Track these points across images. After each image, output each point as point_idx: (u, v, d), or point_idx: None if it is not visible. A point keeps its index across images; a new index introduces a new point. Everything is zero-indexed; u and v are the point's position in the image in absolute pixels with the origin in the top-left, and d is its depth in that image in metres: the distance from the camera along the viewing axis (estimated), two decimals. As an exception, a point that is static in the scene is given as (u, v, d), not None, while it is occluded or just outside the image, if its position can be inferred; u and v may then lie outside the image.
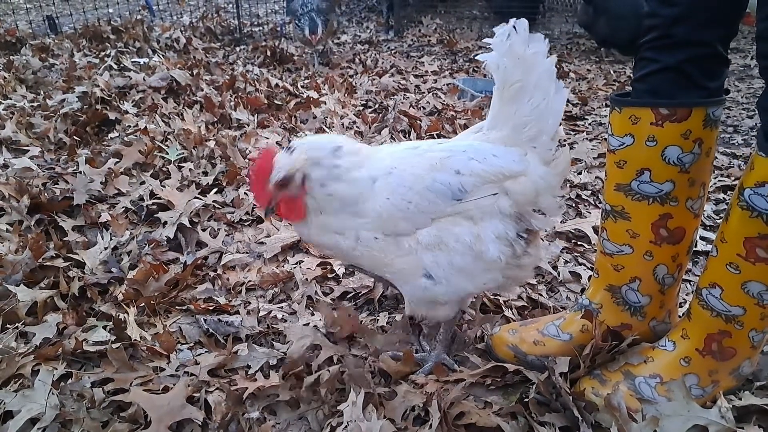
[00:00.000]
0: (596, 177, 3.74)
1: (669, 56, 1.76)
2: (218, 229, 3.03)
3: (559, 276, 2.71)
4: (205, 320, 2.37)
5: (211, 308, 2.47)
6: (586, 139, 4.55)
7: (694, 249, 2.08)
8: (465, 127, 4.62)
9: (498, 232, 1.85)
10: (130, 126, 4.24)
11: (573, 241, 3.04)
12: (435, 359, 2.14)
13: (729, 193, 3.53)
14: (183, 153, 3.81)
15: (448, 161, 1.82)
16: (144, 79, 5.01)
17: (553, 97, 1.84)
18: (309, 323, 2.37)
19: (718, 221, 3.20)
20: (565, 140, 4.51)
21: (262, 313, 2.45)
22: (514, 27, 1.78)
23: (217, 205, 3.26)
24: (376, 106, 5.27)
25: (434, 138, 4.27)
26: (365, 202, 1.83)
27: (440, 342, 2.17)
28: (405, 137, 4.37)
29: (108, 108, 4.45)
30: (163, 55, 6.45)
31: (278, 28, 8.63)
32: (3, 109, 4.37)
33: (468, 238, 1.83)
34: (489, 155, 1.84)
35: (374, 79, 6.07)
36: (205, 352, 2.24)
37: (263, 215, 1.85)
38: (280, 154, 1.80)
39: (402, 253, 1.87)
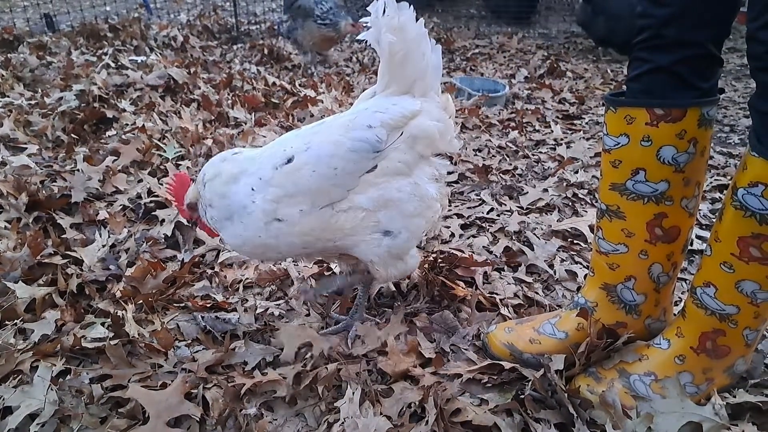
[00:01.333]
0: (593, 176, 3.75)
1: (661, 56, 1.77)
2: (216, 227, 3.03)
3: (555, 274, 2.72)
4: (202, 317, 2.38)
5: (208, 305, 2.48)
6: (583, 138, 4.57)
7: (690, 248, 2.09)
8: (462, 126, 4.64)
9: (429, 174, 2.09)
10: (127, 124, 4.24)
11: (569, 239, 3.05)
12: (359, 320, 2.32)
13: (725, 192, 3.53)
14: (180, 151, 3.82)
15: (356, 121, 1.96)
16: (141, 78, 5.01)
17: (430, 55, 2.04)
18: (304, 324, 2.39)
19: (714, 220, 3.21)
20: (562, 139, 4.53)
21: (259, 311, 2.46)
22: (383, 3, 1.94)
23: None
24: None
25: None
26: (262, 189, 1.93)
27: (360, 306, 2.35)
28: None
29: (105, 106, 4.45)
30: (160, 54, 6.45)
31: (275, 27, 8.62)
32: (1, 107, 4.38)
33: (408, 187, 2.01)
34: (389, 105, 2.01)
35: (371, 78, 6.08)
36: (203, 349, 2.25)
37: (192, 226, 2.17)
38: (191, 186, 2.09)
39: (347, 217, 1.96)
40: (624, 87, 1.93)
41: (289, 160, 1.90)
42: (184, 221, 2.96)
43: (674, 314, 2.17)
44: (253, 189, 1.91)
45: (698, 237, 3.00)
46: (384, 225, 2.00)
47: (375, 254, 2.04)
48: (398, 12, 1.91)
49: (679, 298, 2.48)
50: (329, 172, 1.89)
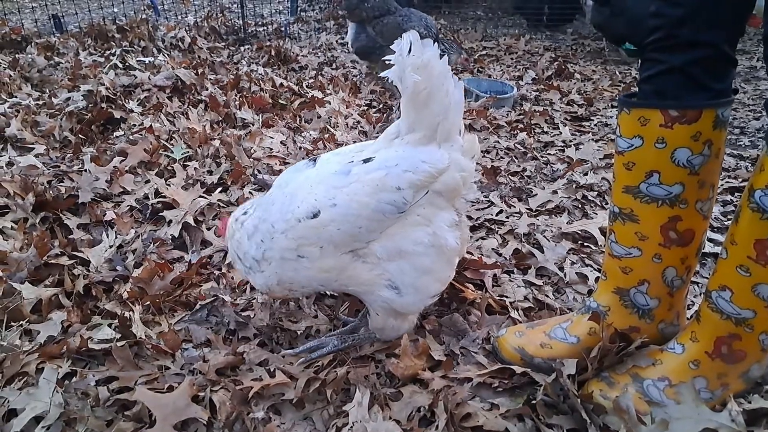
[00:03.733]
0: (602, 178, 3.72)
1: (674, 57, 1.74)
2: (223, 228, 3.02)
3: (565, 277, 2.70)
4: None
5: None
6: (592, 140, 4.54)
7: (702, 251, 2.06)
8: (470, 127, 4.62)
9: (448, 221, 1.98)
10: (135, 125, 4.23)
11: (579, 242, 3.02)
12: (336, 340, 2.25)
13: (737, 194, 3.52)
14: (188, 152, 3.81)
15: (387, 180, 1.87)
16: (149, 78, 5.00)
17: (453, 92, 1.93)
18: (312, 325, 2.37)
19: (726, 223, 3.18)
20: (570, 141, 4.50)
21: (268, 312, 2.44)
22: (409, 41, 1.85)
23: (222, 204, 3.26)
24: (381, 105, 5.27)
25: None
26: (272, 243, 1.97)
27: (345, 335, 2.28)
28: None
29: (113, 107, 4.44)
30: (168, 55, 6.45)
31: (282, 28, 8.62)
32: (8, 107, 4.37)
33: (426, 238, 1.93)
34: (419, 162, 1.90)
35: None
36: (210, 351, 2.23)
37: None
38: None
39: (361, 267, 1.95)
40: (633, 88, 1.90)
41: (315, 215, 1.87)
42: (192, 222, 2.97)
43: (688, 318, 2.14)
44: (272, 238, 1.96)
45: (710, 240, 2.96)
46: (393, 276, 1.96)
47: (375, 301, 2.04)
48: (423, 50, 1.84)
49: (693, 301, 2.45)
50: (354, 230, 1.87)
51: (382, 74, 1.99)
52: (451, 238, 1.97)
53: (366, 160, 1.93)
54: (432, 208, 1.94)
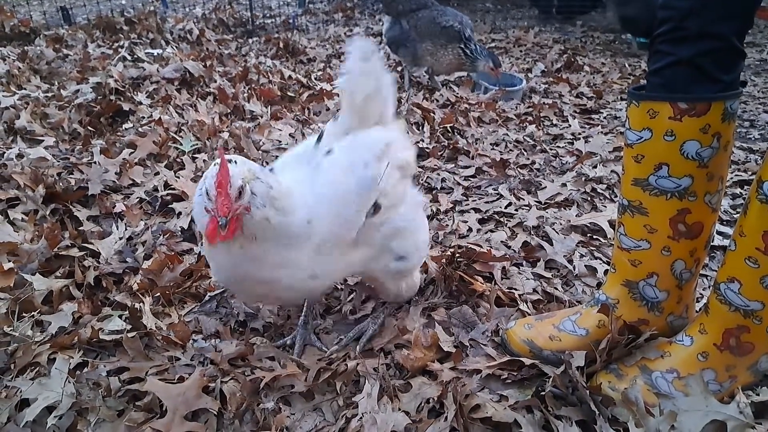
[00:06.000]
0: (612, 171, 3.71)
1: (683, 49, 1.73)
2: (232, 220, 3.02)
3: (574, 270, 2.69)
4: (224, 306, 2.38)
5: (225, 299, 2.48)
6: (601, 132, 4.52)
7: (711, 243, 2.06)
8: (479, 120, 4.62)
9: (415, 189, 2.28)
10: (144, 117, 4.25)
11: (588, 235, 3.02)
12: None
13: (746, 187, 3.50)
14: (197, 144, 3.82)
15: (353, 165, 1.96)
16: (157, 71, 5.02)
17: (389, 86, 2.11)
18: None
19: (735, 215, 3.17)
20: (579, 134, 4.49)
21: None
22: (352, 48, 2.00)
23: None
24: (390, 98, 5.25)
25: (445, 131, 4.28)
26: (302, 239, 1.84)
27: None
28: (418, 130, 4.36)
29: (122, 99, 4.46)
30: (176, 47, 6.47)
31: (290, 21, 8.61)
32: (18, 100, 4.38)
33: (409, 208, 2.12)
34: (371, 140, 2.04)
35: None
36: (221, 342, 2.24)
37: (220, 229, 1.59)
38: (231, 165, 1.64)
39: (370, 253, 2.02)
40: (642, 81, 1.90)
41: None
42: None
43: (696, 311, 2.14)
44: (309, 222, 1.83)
45: (719, 233, 2.95)
46: (397, 251, 2.07)
47: (388, 276, 2.14)
48: (363, 50, 1.98)
49: (701, 294, 2.45)
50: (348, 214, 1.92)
51: (336, 84, 2.09)
52: (419, 194, 2.28)
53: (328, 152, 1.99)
54: (401, 185, 2.08)
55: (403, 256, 2.08)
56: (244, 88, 5.09)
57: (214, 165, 1.61)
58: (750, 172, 3.67)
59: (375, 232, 1.97)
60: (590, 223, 3.07)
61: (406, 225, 2.07)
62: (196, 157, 3.65)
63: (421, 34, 5.34)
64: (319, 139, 2.08)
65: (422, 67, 5.73)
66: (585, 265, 2.71)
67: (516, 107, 5.13)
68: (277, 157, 3.75)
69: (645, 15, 6.53)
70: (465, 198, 3.43)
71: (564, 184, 3.55)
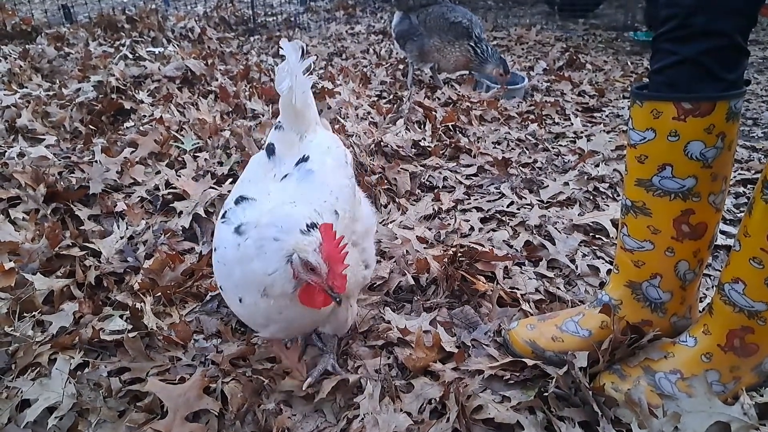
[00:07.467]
0: (614, 169, 3.69)
1: (687, 47, 1.71)
2: (233, 220, 3.02)
3: (577, 269, 2.68)
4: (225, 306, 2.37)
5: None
6: (604, 131, 4.50)
7: (714, 243, 2.05)
8: (481, 118, 4.60)
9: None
10: (145, 115, 4.25)
11: (591, 234, 3.00)
12: (330, 359, 2.11)
13: (749, 186, 3.49)
14: (198, 143, 3.81)
15: (340, 156, 2.07)
16: (159, 69, 5.02)
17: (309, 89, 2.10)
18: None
19: (739, 215, 3.16)
20: (582, 132, 4.48)
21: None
22: (290, 51, 2.00)
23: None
24: (391, 96, 5.25)
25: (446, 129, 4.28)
26: None
27: (332, 349, 2.16)
28: (420, 128, 4.34)
29: (123, 97, 4.46)
30: (177, 45, 6.46)
31: (292, 19, 8.61)
32: (19, 98, 4.39)
33: (366, 207, 2.18)
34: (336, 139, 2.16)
35: (388, 69, 6.04)
36: (221, 342, 2.23)
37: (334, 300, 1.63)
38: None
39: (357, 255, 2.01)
40: (645, 79, 1.88)
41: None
42: (202, 213, 2.96)
43: (700, 311, 2.13)
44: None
45: (722, 232, 2.94)
46: (366, 258, 2.07)
47: (355, 286, 2.06)
48: (298, 50, 2.02)
49: (705, 294, 2.43)
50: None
51: (280, 87, 1.99)
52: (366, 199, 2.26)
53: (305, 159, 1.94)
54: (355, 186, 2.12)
55: (367, 263, 2.08)
56: (246, 86, 5.09)
57: (310, 232, 1.59)
58: (753, 171, 3.66)
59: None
60: (593, 222, 3.06)
61: (369, 224, 2.13)
62: (198, 156, 3.65)
63: (430, 29, 5.33)
64: (271, 152, 1.97)
65: (428, 64, 5.70)
66: (588, 265, 2.70)
67: (518, 105, 5.12)
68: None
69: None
70: (467, 197, 3.43)
71: (566, 183, 3.54)
